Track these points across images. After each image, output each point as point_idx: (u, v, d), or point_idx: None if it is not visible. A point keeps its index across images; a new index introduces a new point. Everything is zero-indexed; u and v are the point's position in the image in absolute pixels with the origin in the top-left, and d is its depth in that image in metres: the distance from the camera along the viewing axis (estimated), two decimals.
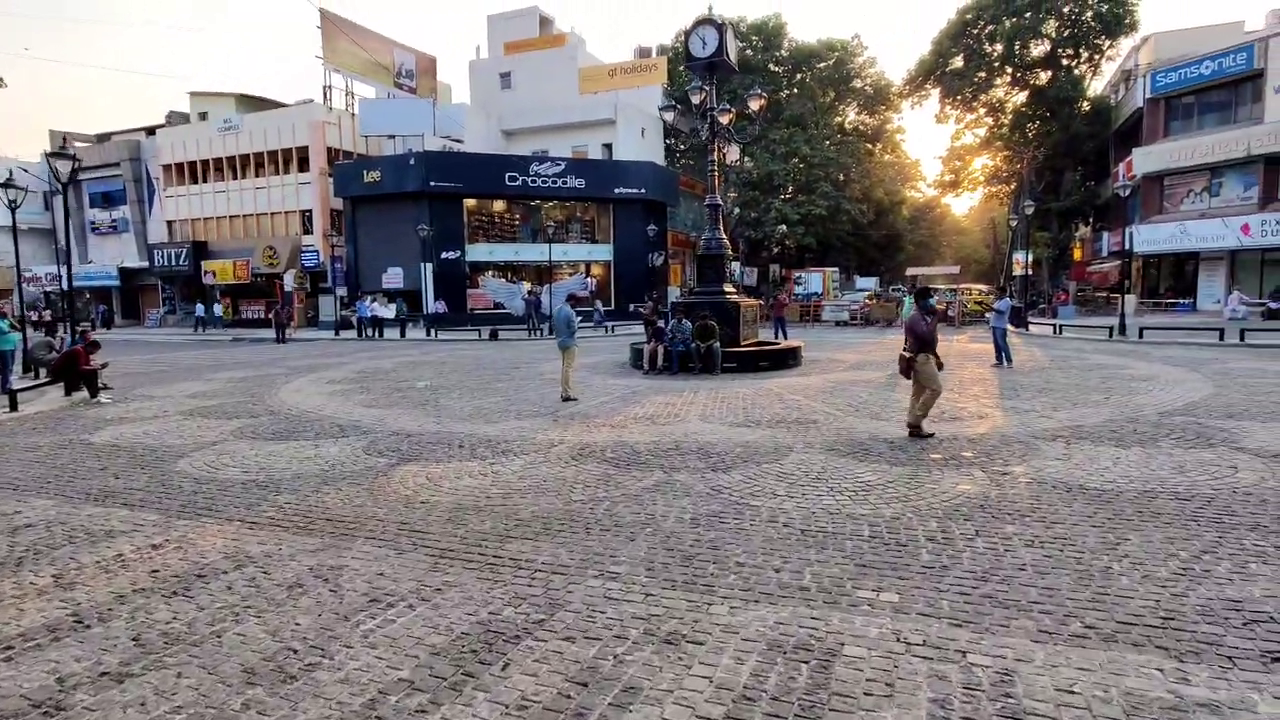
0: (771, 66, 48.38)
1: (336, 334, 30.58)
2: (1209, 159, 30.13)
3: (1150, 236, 31.33)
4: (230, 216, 40.36)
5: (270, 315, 28.76)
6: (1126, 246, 25.67)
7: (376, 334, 29.42)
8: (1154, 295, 34.59)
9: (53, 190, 45.27)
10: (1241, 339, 18.43)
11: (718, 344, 14.74)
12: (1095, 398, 10.59)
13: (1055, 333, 23.84)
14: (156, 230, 42.90)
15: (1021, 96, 42.11)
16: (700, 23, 15.86)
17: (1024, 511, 5.33)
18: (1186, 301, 31.59)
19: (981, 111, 43.26)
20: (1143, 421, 8.69)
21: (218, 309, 37.56)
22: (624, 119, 40.90)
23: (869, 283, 48.53)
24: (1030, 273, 32.76)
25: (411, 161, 34.48)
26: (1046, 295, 39.08)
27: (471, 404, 11.24)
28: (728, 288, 16.37)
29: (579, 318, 12.93)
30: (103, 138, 47.62)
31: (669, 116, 16.01)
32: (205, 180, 40.70)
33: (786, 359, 15.55)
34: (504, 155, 37.26)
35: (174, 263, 40.70)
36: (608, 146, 41.83)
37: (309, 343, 27.75)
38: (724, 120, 16.37)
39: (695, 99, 15.78)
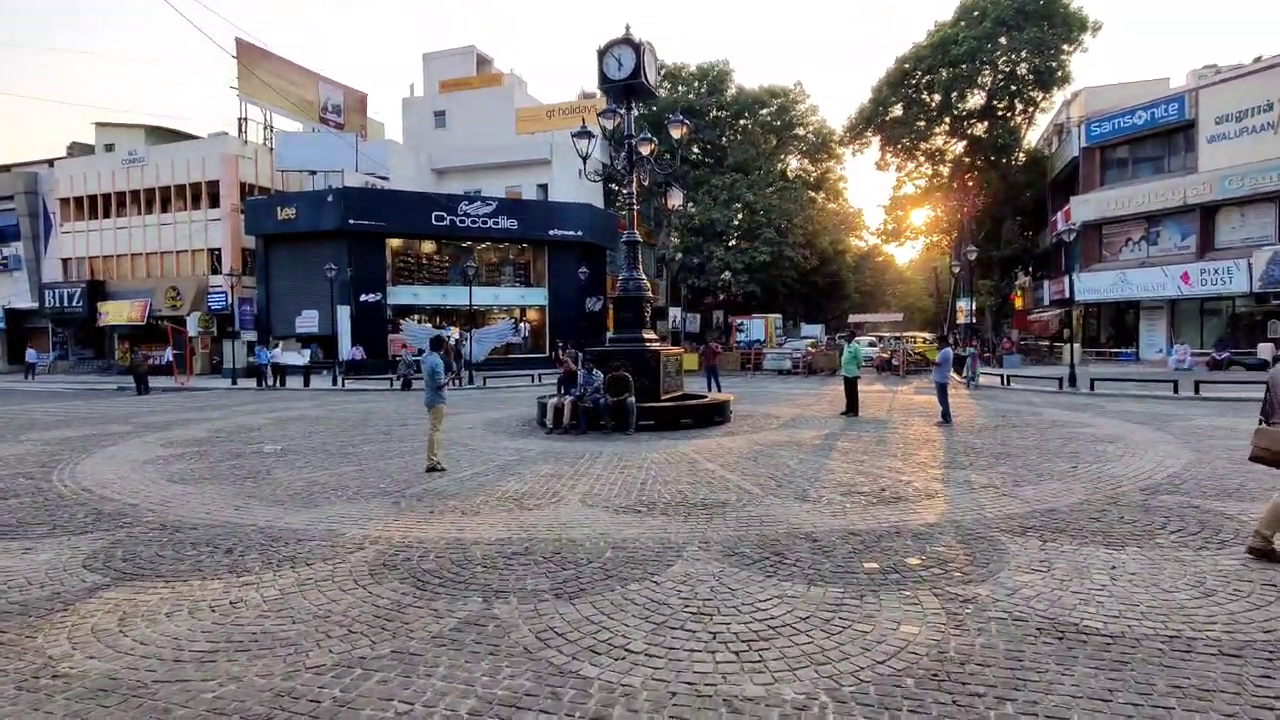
0: (715, 112, 47.85)
1: (234, 383, 27.78)
2: (1146, 208, 29.91)
3: (1091, 285, 30.83)
4: (132, 254, 37.36)
5: (132, 362, 25.78)
6: (1069, 294, 24.82)
7: (278, 383, 26.73)
8: (1094, 344, 34.09)
9: None
10: (1196, 391, 17.30)
11: (632, 398, 12.81)
12: (1061, 466, 8.92)
13: (1003, 383, 22.61)
14: (52, 269, 39.52)
15: (960, 146, 42.17)
16: (615, 43, 14.31)
17: (1001, 685, 3.42)
18: (1129, 351, 31.02)
19: (921, 160, 43.17)
20: (1126, 502, 6.98)
21: (36, 355, 35.15)
22: (561, 159, 39.45)
23: (815, 330, 47.58)
24: (974, 321, 31.93)
25: (329, 198, 32.28)
26: (991, 344, 38.42)
27: (309, 476, 9.02)
28: (648, 334, 14.52)
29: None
30: (2, 169, 44.18)
31: (583, 144, 14.20)
32: (107, 215, 37.69)
33: (712, 415, 13.69)
34: (430, 193, 35.31)
35: (67, 304, 37.31)
36: (543, 187, 40.37)
37: (197, 393, 24.94)
38: (645, 150, 14.74)
39: (608, 123, 14.13)
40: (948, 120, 40.73)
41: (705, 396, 15.32)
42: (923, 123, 40.78)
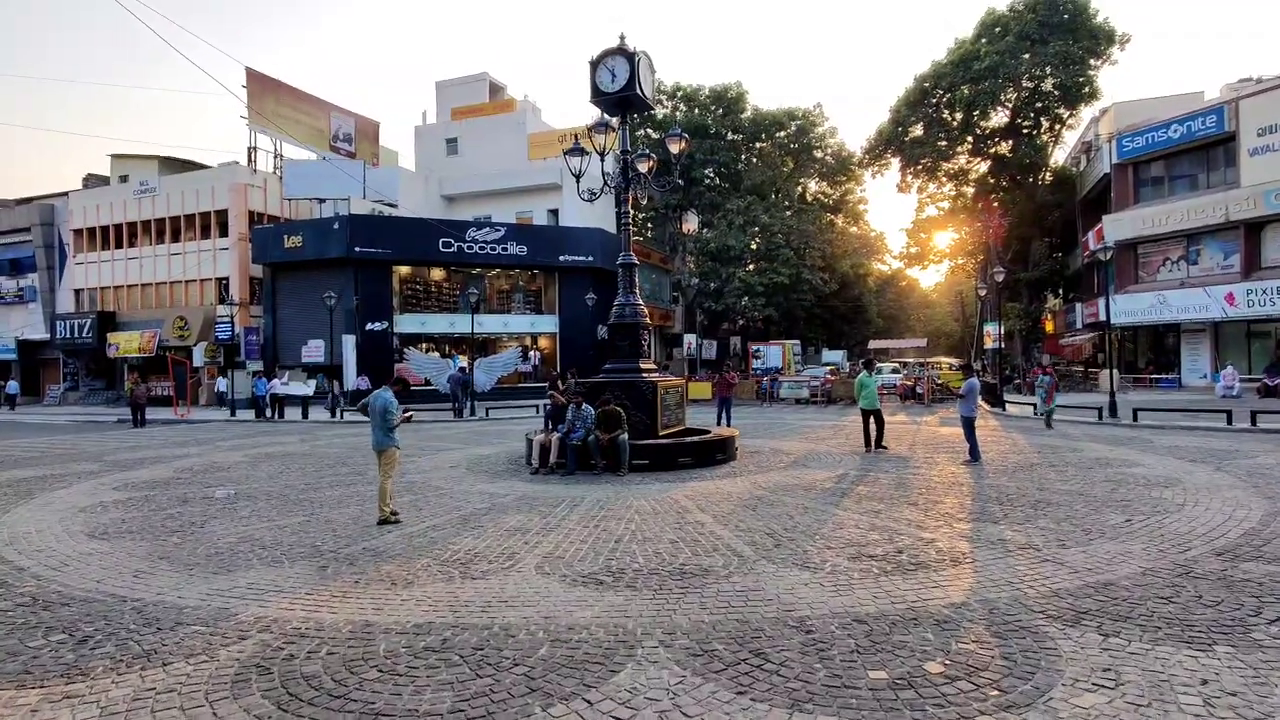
0: (731, 135, 47.06)
1: (233, 414, 27.05)
2: (1185, 225, 28.35)
3: (1127, 307, 29.23)
4: (142, 285, 37.17)
5: (132, 392, 25.21)
6: (1104, 317, 23.31)
7: (277, 415, 25.94)
8: (1132, 369, 32.33)
9: None
10: (1253, 422, 15.75)
11: (625, 435, 11.65)
12: (1112, 519, 7.60)
13: (1036, 413, 21.08)
14: (64, 300, 39.48)
15: (984, 165, 40.87)
16: (608, 53, 13.40)
17: None
18: (1171, 377, 29.27)
19: (944, 180, 41.89)
20: (1201, 572, 5.67)
21: (16, 386, 36.28)
22: (571, 184, 38.62)
23: (836, 356, 46.15)
24: (1003, 346, 30.37)
25: (335, 225, 31.80)
26: (1021, 370, 36.74)
27: (245, 530, 7.97)
28: (645, 364, 13.39)
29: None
30: (20, 202, 44.55)
31: (575, 163, 13.25)
32: (119, 246, 37.60)
33: (714, 453, 12.47)
34: (438, 219, 34.71)
35: (77, 335, 37.12)
36: (554, 212, 39.69)
37: (194, 425, 24.22)
38: (643, 168, 13.75)
39: (600, 138, 13.16)
40: (970, 139, 39.50)
41: (709, 431, 14.11)
42: (944, 142, 39.59)
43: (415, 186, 40.40)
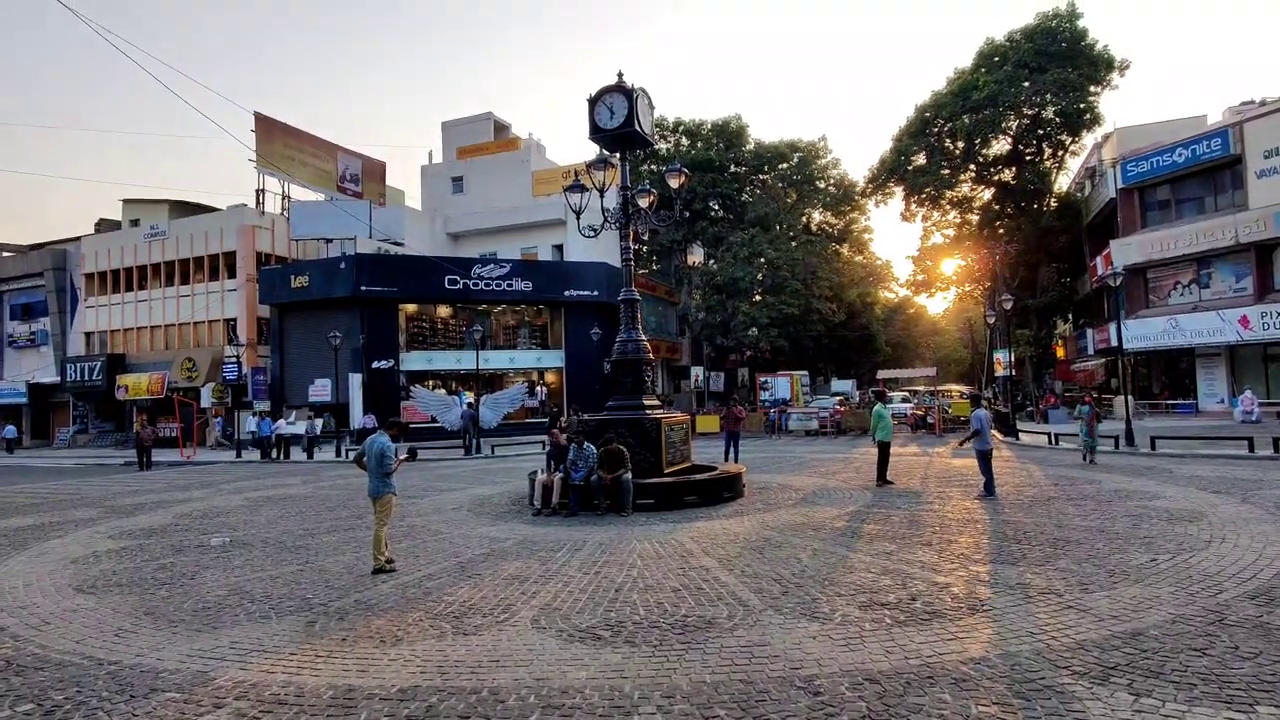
0: (734, 167, 47.33)
1: (239, 455, 26.92)
2: (1194, 249, 28.10)
3: (1139, 332, 28.87)
4: (151, 327, 37.40)
5: (139, 434, 25.23)
6: (1116, 343, 22.98)
7: (282, 455, 25.78)
8: (1146, 395, 31.84)
9: None
10: (1276, 450, 15.32)
11: (629, 474, 11.39)
12: (1136, 558, 7.27)
13: (1050, 442, 20.71)
14: (75, 343, 39.72)
15: (988, 193, 40.86)
16: (607, 91, 13.41)
17: None
18: (1187, 402, 28.79)
19: (948, 208, 41.86)
20: (1235, 619, 5.35)
21: (14, 430, 36.94)
22: (576, 219, 38.93)
23: (846, 385, 45.77)
24: (1014, 373, 29.97)
25: (342, 265, 31.97)
26: (1033, 397, 36.27)
27: (236, 581, 7.73)
28: (649, 400, 13.17)
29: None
30: (33, 247, 45.14)
31: (575, 199, 13.23)
32: (129, 289, 37.92)
33: (721, 491, 12.17)
34: (444, 257, 34.88)
35: (87, 377, 37.26)
36: (559, 248, 39.83)
37: (200, 467, 24.09)
38: (644, 203, 13.70)
39: (599, 174, 13.12)
40: (973, 167, 39.58)
41: (716, 468, 13.81)
42: (947, 170, 39.64)
43: (421, 225, 40.71)
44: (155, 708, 4.48)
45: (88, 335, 39.17)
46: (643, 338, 13.43)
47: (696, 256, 21.87)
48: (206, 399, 34.07)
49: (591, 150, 14.55)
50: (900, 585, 6.61)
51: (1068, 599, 6.02)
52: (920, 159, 40.14)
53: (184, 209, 39.85)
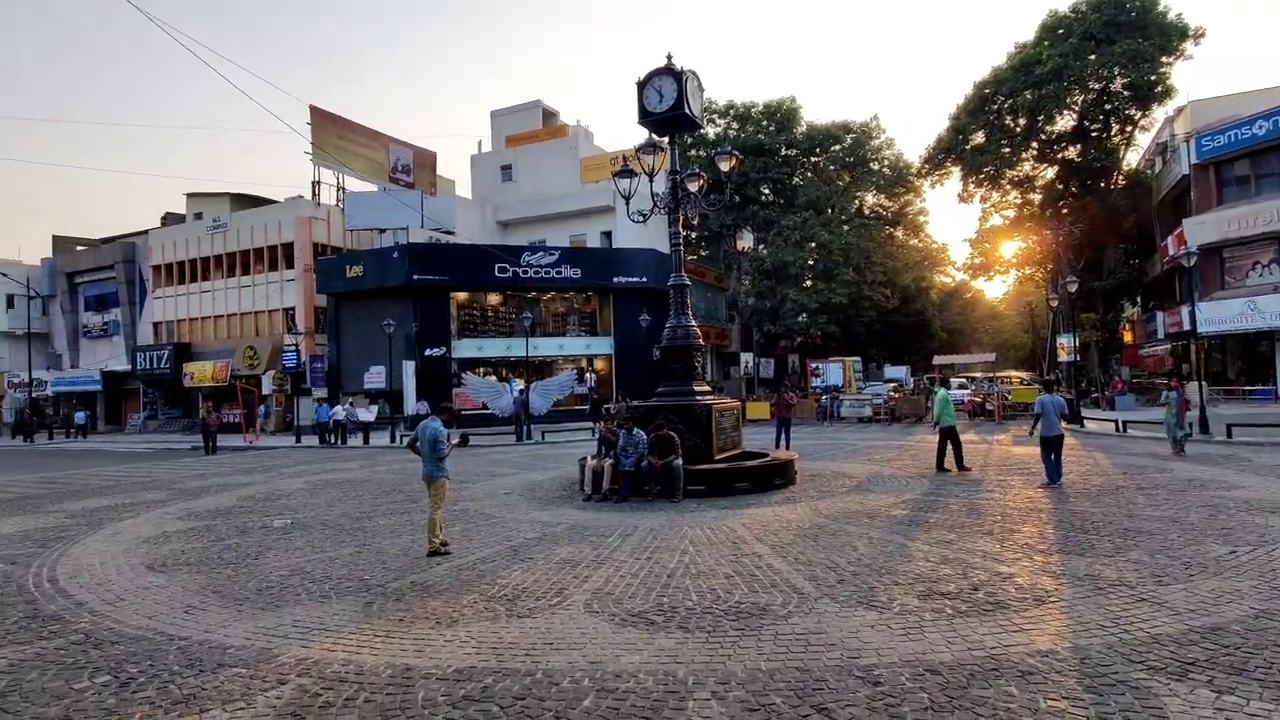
0: (785, 150, 46.61)
1: (298, 440, 27.75)
2: (1274, 226, 26.60)
3: (1214, 315, 27.50)
4: (215, 316, 38.74)
5: (204, 420, 26.23)
6: (1188, 326, 21.93)
7: (339, 441, 26.47)
8: (1221, 380, 30.34)
9: (49, 295, 44.64)
10: None
11: (679, 460, 11.34)
12: (1214, 550, 6.92)
13: (1118, 429, 19.92)
14: (144, 333, 41.43)
15: (1051, 171, 39.32)
16: (656, 74, 13.27)
17: None
18: (1266, 388, 27.36)
19: (1008, 188, 40.44)
20: None
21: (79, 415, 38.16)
22: (624, 205, 38.85)
23: (899, 372, 44.83)
24: (1078, 358, 28.84)
25: (395, 254, 32.54)
26: (1099, 383, 34.95)
27: (297, 562, 7.94)
28: (699, 386, 13.08)
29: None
30: (105, 241, 47.15)
31: (624, 184, 13.18)
32: (194, 280, 39.34)
33: (773, 478, 12.03)
34: (493, 245, 35.20)
35: (156, 365, 38.85)
36: (607, 234, 39.82)
37: (260, 451, 24.92)
38: (693, 187, 13.56)
39: (648, 159, 13.01)
40: (1035, 145, 38.10)
41: (767, 454, 13.66)
42: (1007, 149, 38.25)
43: (471, 214, 41.15)
44: (223, 682, 4.62)
45: (156, 325, 40.79)
46: (692, 323, 13.33)
47: (746, 242, 21.45)
48: (268, 386, 35.19)
49: (640, 136, 14.45)
50: (961, 575, 6.41)
51: (1141, 591, 5.76)
52: (979, 137, 38.83)
53: (244, 202, 41.06)
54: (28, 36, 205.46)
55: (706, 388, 13.51)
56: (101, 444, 33.09)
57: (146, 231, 42.76)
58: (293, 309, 36.08)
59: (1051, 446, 11.26)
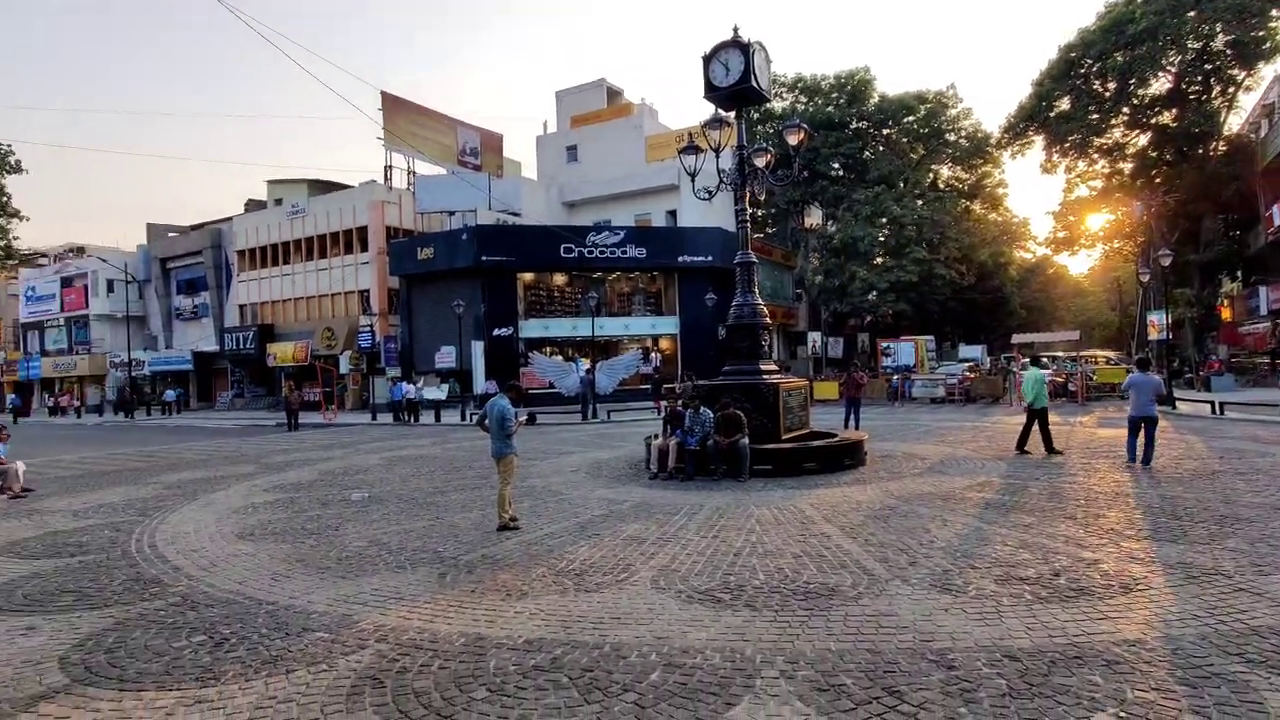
0: (856, 123, 45.28)
1: (374, 418, 28.76)
2: None
3: None
4: (295, 299, 40.34)
5: (287, 399, 27.44)
6: None
7: (412, 418, 27.31)
8: None
9: (144, 279, 47.29)
10: None
11: (745, 439, 11.24)
12: None
13: (1214, 411, 18.80)
14: (231, 315, 43.51)
15: (1143, 138, 37.03)
16: (722, 46, 13.02)
17: None
18: None
19: (1095, 157, 38.30)
20: None
21: (174, 394, 41.46)
22: (689, 184, 38.47)
23: (975, 351, 43.31)
24: (1170, 336, 27.22)
25: (464, 236, 33.15)
26: (1193, 363, 33.00)
27: (374, 533, 8.25)
28: (765, 365, 12.92)
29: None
30: (194, 228, 49.55)
31: (690, 161, 13.05)
32: (275, 264, 41.02)
33: (842, 458, 11.82)
34: (559, 226, 35.47)
35: (242, 346, 40.81)
36: (672, 213, 39.59)
37: (339, 428, 25.94)
38: (760, 163, 13.30)
39: (714, 135, 12.82)
40: (1126, 110, 35.91)
41: (836, 434, 13.42)
42: (1095, 115, 36.18)
43: (537, 195, 41.52)
44: (307, 645, 4.84)
45: (241, 307, 42.77)
46: (759, 302, 13.15)
47: (814, 218, 20.84)
48: (345, 365, 36.52)
49: (706, 112, 14.26)
50: (1041, 560, 6.17)
51: (1239, 581, 5.43)
52: (1064, 104, 36.85)
53: (320, 187, 42.49)
54: (133, 37, 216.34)
55: (773, 366, 13.34)
56: (193, 420, 35.04)
57: (231, 218, 44.72)
58: (367, 291, 37.25)
59: (1139, 427, 10.69)
